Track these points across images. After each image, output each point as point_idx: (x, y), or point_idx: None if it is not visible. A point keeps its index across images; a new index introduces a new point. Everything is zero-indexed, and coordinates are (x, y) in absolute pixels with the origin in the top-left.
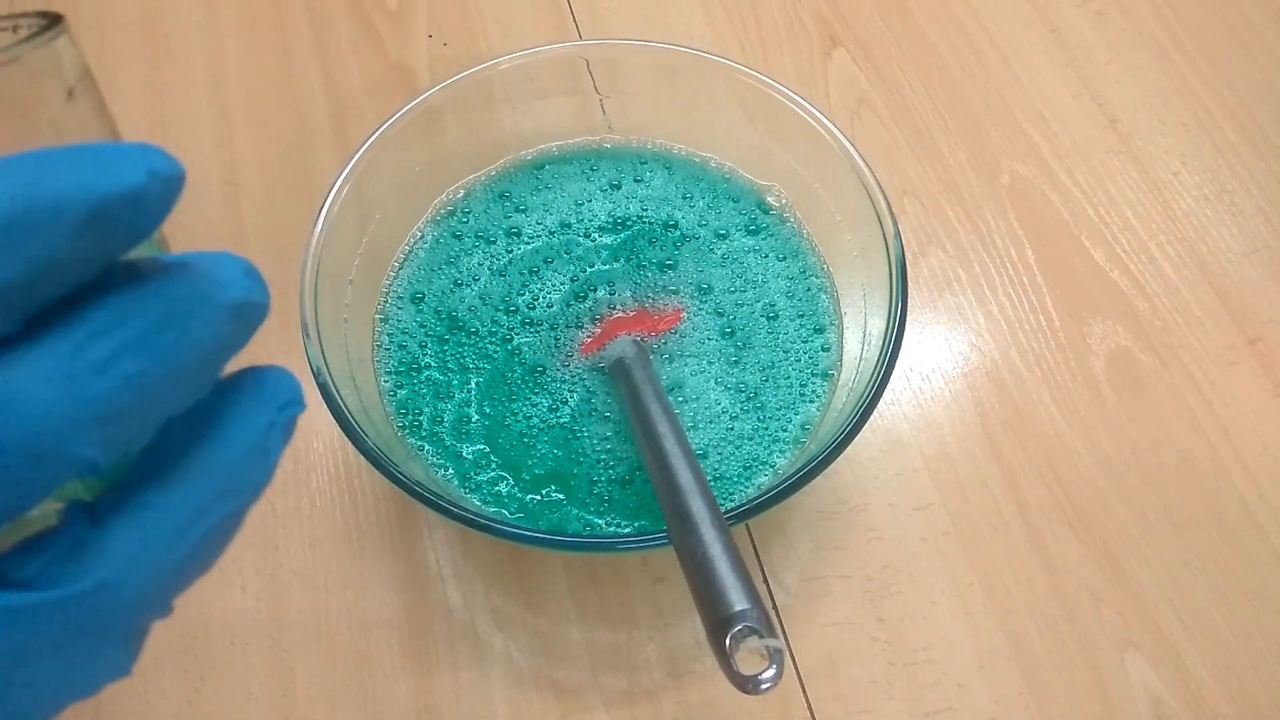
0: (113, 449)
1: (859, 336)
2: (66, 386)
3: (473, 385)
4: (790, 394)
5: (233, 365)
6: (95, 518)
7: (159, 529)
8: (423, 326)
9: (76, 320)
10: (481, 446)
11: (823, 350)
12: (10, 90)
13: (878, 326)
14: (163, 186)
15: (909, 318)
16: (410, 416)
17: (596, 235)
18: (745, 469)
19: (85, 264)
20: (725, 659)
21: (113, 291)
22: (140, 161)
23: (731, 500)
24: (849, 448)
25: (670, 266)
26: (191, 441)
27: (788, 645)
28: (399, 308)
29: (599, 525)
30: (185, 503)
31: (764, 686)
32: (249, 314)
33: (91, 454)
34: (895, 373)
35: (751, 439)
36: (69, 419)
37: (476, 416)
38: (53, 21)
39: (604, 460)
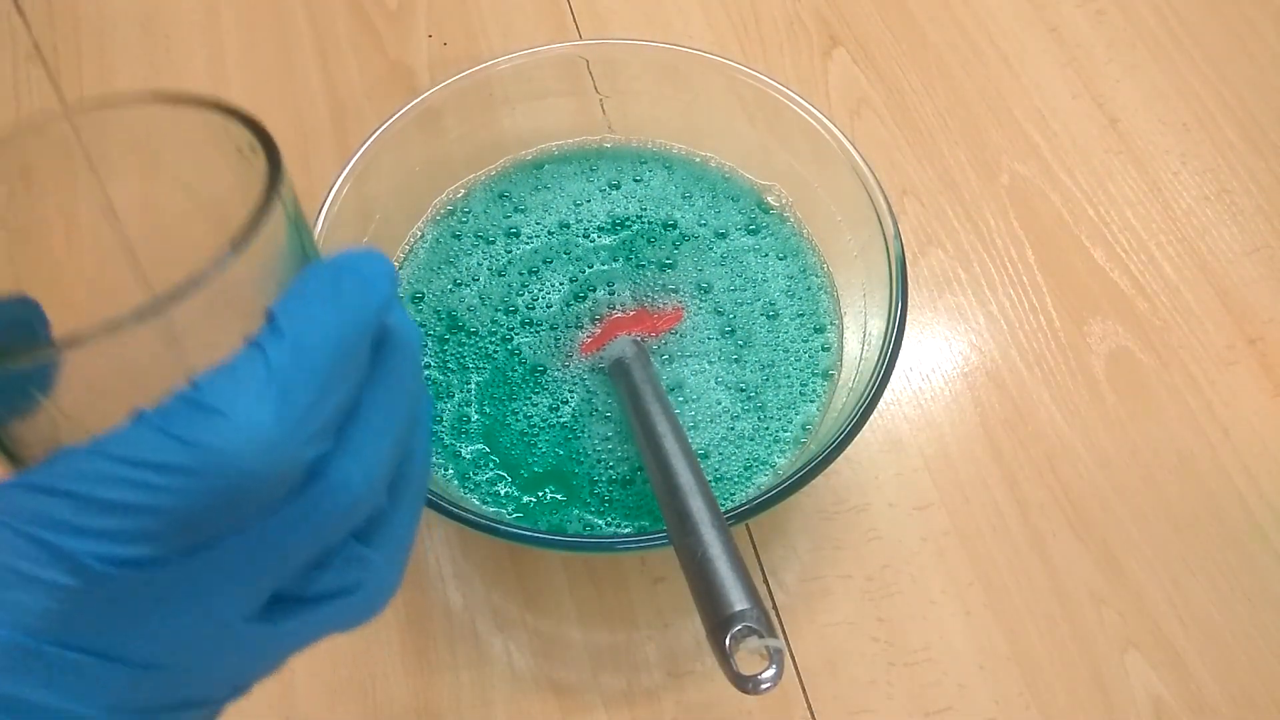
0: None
1: (859, 336)
2: (374, 468)
3: (472, 385)
4: (791, 394)
5: None
6: (362, 538)
7: (404, 537)
8: (422, 326)
9: (364, 419)
10: (480, 446)
11: (823, 350)
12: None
13: (878, 326)
14: (395, 285)
15: (909, 318)
16: None
17: (596, 235)
18: (745, 469)
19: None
20: (725, 659)
21: (373, 386)
22: (383, 271)
23: (732, 500)
24: (849, 448)
25: (670, 266)
26: (401, 463)
27: (788, 645)
28: None
29: (599, 525)
30: (413, 513)
31: (764, 686)
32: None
33: (383, 501)
34: (895, 373)
35: (752, 439)
36: (375, 489)
37: (476, 416)
38: (270, 160)
39: (604, 460)
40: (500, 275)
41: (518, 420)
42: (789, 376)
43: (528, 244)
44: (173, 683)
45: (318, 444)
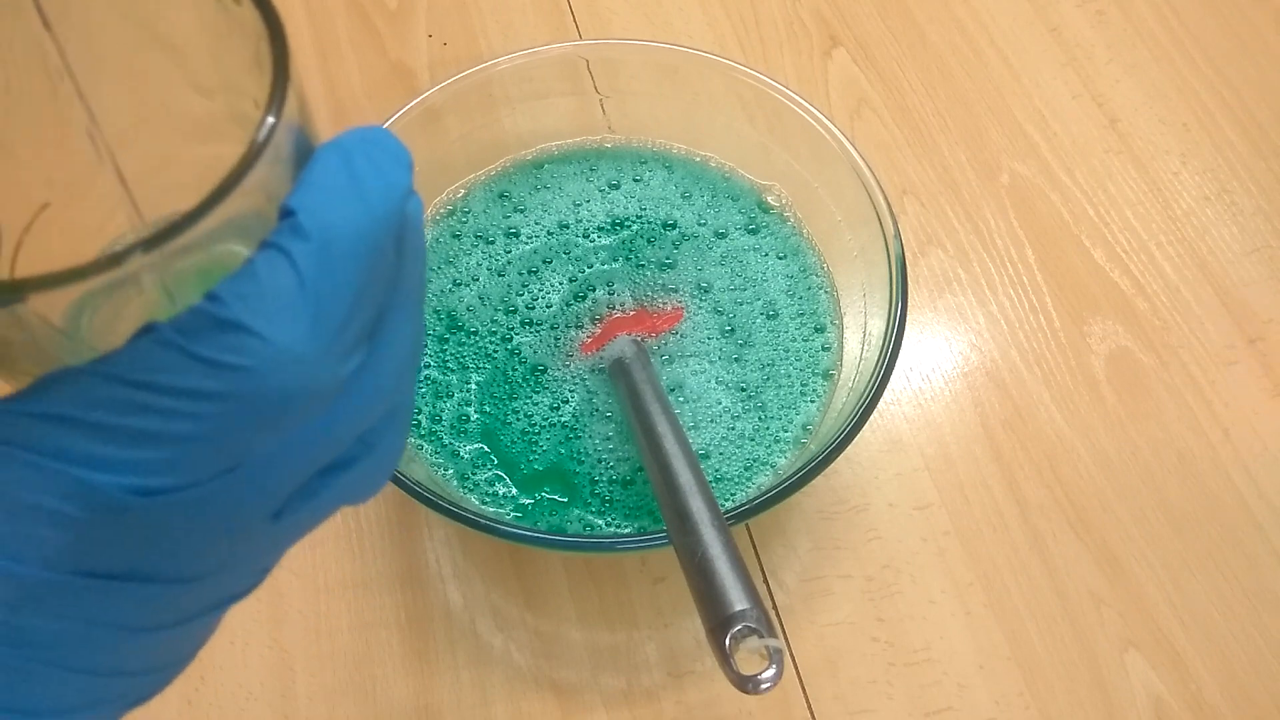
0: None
1: (859, 336)
2: (403, 367)
3: (472, 385)
4: (791, 393)
5: None
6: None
7: (408, 411)
8: None
9: (394, 321)
10: (480, 445)
11: (823, 350)
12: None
13: (878, 326)
14: (412, 170)
15: (909, 318)
16: None
17: (596, 235)
18: (746, 469)
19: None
20: (725, 659)
21: (399, 284)
22: (400, 155)
23: (732, 500)
24: (849, 448)
25: (669, 266)
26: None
27: (788, 645)
28: None
29: (599, 525)
30: (414, 385)
31: (764, 686)
32: None
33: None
34: (895, 373)
35: (752, 439)
36: (403, 386)
37: (476, 415)
38: (265, 12)
39: (605, 460)
40: (500, 275)
41: (518, 420)
42: (789, 376)
43: (527, 244)
44: (199, 592)
45: (353, 357)
